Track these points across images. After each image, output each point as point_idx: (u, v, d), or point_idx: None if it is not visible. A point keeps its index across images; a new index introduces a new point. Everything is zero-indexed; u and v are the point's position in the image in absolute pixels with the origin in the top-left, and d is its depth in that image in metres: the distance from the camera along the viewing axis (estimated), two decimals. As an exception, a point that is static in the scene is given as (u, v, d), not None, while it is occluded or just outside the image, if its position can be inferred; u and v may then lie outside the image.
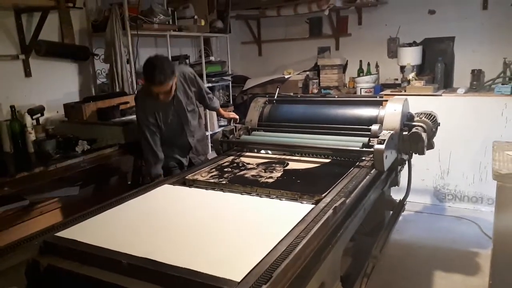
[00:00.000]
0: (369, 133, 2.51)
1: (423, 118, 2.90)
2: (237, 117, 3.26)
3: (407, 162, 3.00)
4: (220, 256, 1.40)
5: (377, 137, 2.38)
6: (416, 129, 2.65)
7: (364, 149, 2.43)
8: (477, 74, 4.16)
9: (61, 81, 3.60)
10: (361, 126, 2.64)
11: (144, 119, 2.76)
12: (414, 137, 2.63)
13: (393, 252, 3.16)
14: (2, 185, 2.37)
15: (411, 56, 4.48)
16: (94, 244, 1.52)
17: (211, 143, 3.51)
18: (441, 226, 3.64)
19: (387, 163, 2.33)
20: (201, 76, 4.72)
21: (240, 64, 5.78)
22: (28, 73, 3.29)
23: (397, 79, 4.78)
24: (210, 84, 4.89)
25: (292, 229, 1.60)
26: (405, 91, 4.19)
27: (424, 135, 2.66)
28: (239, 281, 1.22)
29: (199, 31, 4.58)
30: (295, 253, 1.39)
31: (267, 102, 3.15)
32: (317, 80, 4.99)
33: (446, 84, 4.44)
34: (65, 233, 1.64)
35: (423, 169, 3.99)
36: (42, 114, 3.13)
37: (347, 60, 5.15)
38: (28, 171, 2.52)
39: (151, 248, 1.47)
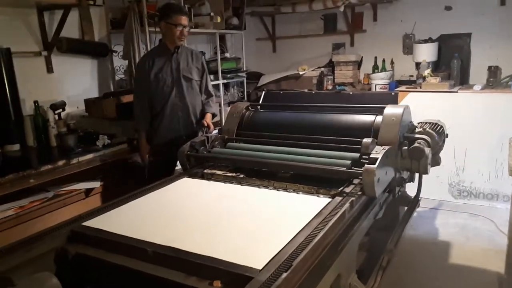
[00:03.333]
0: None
1: (427, 129, 2.47)
2: (212, 127, 3.07)
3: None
4: (241, 245, 1.46)
5: (369, 154, 1.99)
6: (418, 143, 2.26)
7: (352, 169, 1.99)
8: (493, 71, 4.13)
9: (81, 77, 3.69)
10: (355, 138, 2.22)
11: (142, 80, 2.94)
12: (415, 153, 2.23)
13: (408, 247, 3.17)
14: (27, 177, 2.46)
15: (426, 53, 4.47)
16: (119, 233, 1.59)
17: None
18: (456, 222, 3.64)
19: (379, 188, 1.94)
20: (216, 72, 4.78)
21: (255, 61, 5.81)
22: (50, 69, 3.37)
23: (412, 76, 4.76)
24: (225, 81, 4.94)
25: (310, 221, 1.64)
26: (420, 87, 4.18)
27: (427, 150, 2.25)
28: (260, 268, 1.27)
29: (215, 28, 4.63)
30: (314, 244, 1.44)
31: (249, 108, 2.83)
32: (331, 77, 5.00)
33: (462, 80, 4.42)
34: (91, 223, 1.72)
35: (438, 166, 3.98)
36: (64, 109, 3.22)
37: (362, 57, 5.15)
38: (51, 164, 2.61)
39: (173, 237, 1.53)
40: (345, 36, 5.28)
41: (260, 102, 4.61)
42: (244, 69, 5.30)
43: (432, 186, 3.90)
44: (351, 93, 4.67)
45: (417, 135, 2.36)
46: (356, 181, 2.04)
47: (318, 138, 2.38)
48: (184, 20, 2.88)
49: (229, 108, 2.92)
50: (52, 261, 1.58)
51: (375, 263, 2.34)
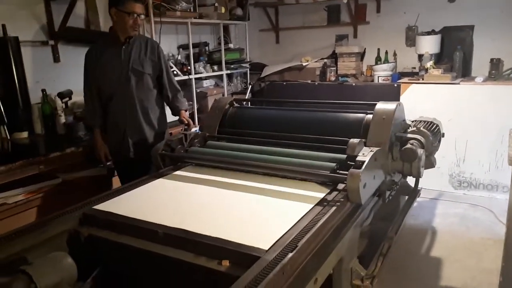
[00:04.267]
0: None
1: (421, 128, 2.33)
2: (191, 123, 2.85)
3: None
4: (247, 228, 1.52)
5: (355, 156, 1.84)
6: (410, 143, 2.11)
7: (337, 173, 1.87)
8: (496, 63, 4.16)
9: (87, 67, 3.73)
10: (344, 137, 2.06)
11: (91, 73, 2.69)
12: (407, 155, 2.07)
13: (408, 236, 3.24)
14: (37, 164, 2.52)
15: (429, 45, 4.49)
16: (130, 216, 1.64)
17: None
18: (456, 212, 3.70)
19: (365, 194, 1.79)
20: (219, 63, 4.81)
21: (258, 52, 5.83)
22: (56, 59, 3.41)
23: (414, 68, 4.79)
24: (228, 71, 4.98)
25: (313, 207, 1.70)
26: (423, 79, 4.21)
27: (420, 151, 2.10)
28: (267, 249, 1.33)
29: (219, 18, 4.65)
30: (317, 227, 1.50)
31: (233, 103, 2.67)
32: (334, 68, 5.02)
33: (464, 73, 4.45)
34: (102, 207, 1.78)
35: (439, 157, 3.99)
36: (70, 98, 3.27)
37: (365, 48, 5.17)
38: (60, 151, 2.66)
39: (182, 220, 1.58)
40: (348, 28, 5.29)
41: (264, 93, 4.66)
42: (248, 60, 5.34)
43: (432, 177, 3.95)
44: (354, 84, 4.70)
45: (409, 135, 2.20)
46: (341, 185, 1.88)
47: (305, 137, 2.25)
48: (138, 7, 2.60)
49: (213, 103, 2.72)
50: (65, 242, 1.64)
51: (376, 249, 2.40)
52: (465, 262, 2.90)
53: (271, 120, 2.50)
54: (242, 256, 1.31)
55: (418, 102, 4.07)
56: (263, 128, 2.44)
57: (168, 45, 4.48)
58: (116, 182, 2.93)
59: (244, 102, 2.79)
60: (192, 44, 4.36)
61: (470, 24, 4.51)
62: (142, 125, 2.73)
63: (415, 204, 3.35)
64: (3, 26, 2.90)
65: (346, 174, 1.76)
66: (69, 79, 3.52)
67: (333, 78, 4.94)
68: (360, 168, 1.72)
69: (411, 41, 4.82)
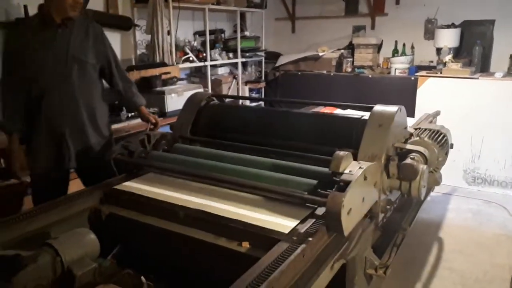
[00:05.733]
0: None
1: (425, 138, 1.98)
2: (158, 121, 2.46)
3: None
4: (267, 214, 1.51)
5: (340, 174, 1.43)
6: (410, 157, 1.72)
7: (316, 196, 1.44)
8: (516, 59, 4.10)
9: (105, 50, 3.74)
10: (333, 147, 1.66)
11: (14, 60, 2.10)
12: (405, 172, 1.67)
13: (421, 230, 3.23)
14: None
15: (448, 38, 4.42)
16: (151, 197, 1.66)
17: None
18: (469, 208, 3.68)
19: (350, 222, 1.40)
20: (235, 51, 4.80)
21: (273, 41, 5.81)
22: (75, 41, 3.43)
23: (432, 61, 4.73)
24: (243, 59, 4.97)
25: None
26: (440, 73, 4.17)
27: (422, 167, 1.69)
28: (286, 232, 1.34)
29: (236, 5, 4.64)
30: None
31: (212, 99, 2.28)
32: (351, 59, 4.99)
33: (483, 68, 4.38)
34: (122, 187, 1.79)
35: (454, 151, 3.98)
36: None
37: (382, 40, 5.11)
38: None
39: (201, 203, 1.58)
40: (366, 19, 5.23)
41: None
42: (263, 49, 5.32)
43: (446, 172, 3.92)
44: (370, 76, 4.67)
45: (410, 147, 1.82)
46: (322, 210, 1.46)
47: (287, 144, 1.89)
48: None
49: (188, 98, 2.29)
50: (87, 220, 1.67)
51: (390, 240, 2.40)
52: (478, 257, 2.89)
53: (254, 122, 2.10)
54: (262, 238, 1.32)
55: (435, 96, 4.04)
56: (242, 130, 2.07)
57: (184, 31, 4.47)
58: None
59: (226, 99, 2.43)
60: (209, 31, 4.36)
61: (491, 19, 4.43)
62: (86, 127, 2.19)
63: (428, 198, 3.34)
64: (25, 7, 2.92)
65: (325, 198, 1.38)
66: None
67: (349, 70, 4.91)
68: (344, 190, 1.35)
69: (429, 34, 4.75)
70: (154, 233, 1.52)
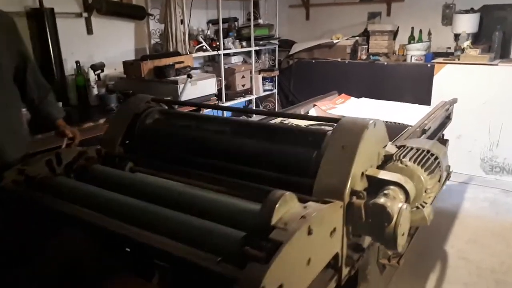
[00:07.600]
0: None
1: (407, 162, 1.43)
2: (78, 136, 2.01)
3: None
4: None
5: (271, 229, 0.99)
6: (384, 194, 1.26)
7: (231, 264, 0.96)
8: (537, 44, 3.97)
9: (119, 39, 3.76)
10: (291, 175, 1.35)
11: None
12: (374, 215, 1.20)
13: (436, 219, 3.12)
14: (71, 133, 2.53)
15: (467, 24, 4.30)
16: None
17: None
18: (486, 197, 3.62)
19: None
20: (248, 39, 4.77)
21: (287, 28, 5.74)
22: (90, 31, 3.45)
23: (449, 48, 4.62)
24: (257, 48, 4.94)
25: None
26: (458, 59, 4.07)
27: (398, 207, 1.21)
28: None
29: (250, -8, 4.59)
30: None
31: (152, 105, 1.83)
32: (366, 46, 4.91)
33: (503, 54, 4.26)
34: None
35: (470, 140, 3.94)
36: (103, 71, 3.33)
37: (398, 27, 5.01)
38: (93, 122, 2.73)
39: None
40: (382, 5, 5.12)
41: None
42: (277, 37, 5.27)
43: (462, 161, 3.87)
44: (385, 63, 4.59)
45: (385, 176, 1.33)
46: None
47: (227, 167, 1.48)
48: None
49: (123, 102, 1.85)
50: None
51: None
52: (494, 247, 2.85)
53: (191, 134, 1.65)
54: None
55: (452, 83, 3.95)
56: (178, 145, 1.65)
57: (198, 20, 4.46)
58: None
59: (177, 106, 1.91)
60: (222, 19, 4.34)
61: (512, 3, 4.30)
62: (1, 141, 1.70)
63: (443, 187, 3.29)
64: (41, -5, 2.95)
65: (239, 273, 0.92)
66: (101, 51, 3.58)
67: (364, 57, 4.84)
68: (268, 259, 0.90)
69: (447, 19, 4.64)
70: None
